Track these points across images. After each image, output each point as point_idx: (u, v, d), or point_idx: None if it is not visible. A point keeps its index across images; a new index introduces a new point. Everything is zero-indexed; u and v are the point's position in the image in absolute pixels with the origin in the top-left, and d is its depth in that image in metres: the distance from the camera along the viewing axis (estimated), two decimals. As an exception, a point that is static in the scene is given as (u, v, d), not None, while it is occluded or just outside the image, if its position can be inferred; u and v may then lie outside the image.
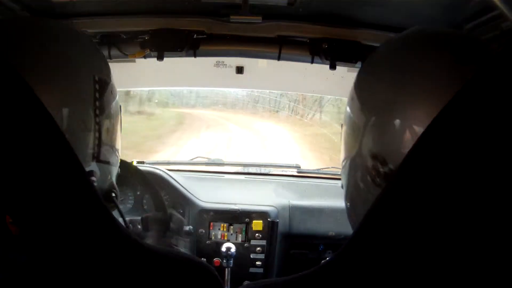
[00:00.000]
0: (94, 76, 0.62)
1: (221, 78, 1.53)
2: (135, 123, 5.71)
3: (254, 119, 7.32)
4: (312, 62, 1.07)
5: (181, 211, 1.49)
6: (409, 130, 0.52)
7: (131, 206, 1.53)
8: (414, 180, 0.41)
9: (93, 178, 0.62)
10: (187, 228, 1.32)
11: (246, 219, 1.47)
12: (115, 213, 0.78)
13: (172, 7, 1.00)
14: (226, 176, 1.81)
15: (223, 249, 1.37)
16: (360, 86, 0.61)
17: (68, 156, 0.46)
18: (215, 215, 1.48)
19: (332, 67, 1.03)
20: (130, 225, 0.99)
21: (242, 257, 1.44)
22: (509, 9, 0.70)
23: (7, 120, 0.42)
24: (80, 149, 0.59)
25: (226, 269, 1.38)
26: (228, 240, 1.45)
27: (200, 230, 1.47)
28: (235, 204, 1.50)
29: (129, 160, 1.37)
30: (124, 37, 1.06)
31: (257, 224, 1.46)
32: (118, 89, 0.71)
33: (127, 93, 3.72)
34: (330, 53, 1.02)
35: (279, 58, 1.10)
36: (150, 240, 0.95)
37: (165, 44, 1.01)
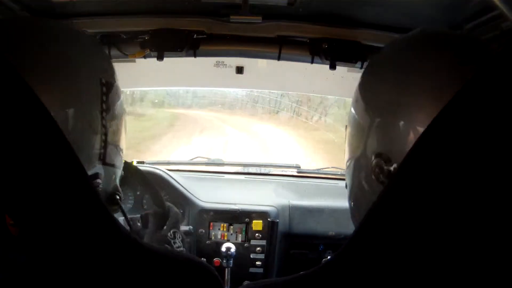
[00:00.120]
0: (97, 76, 0.61)
1: (221, 78, 1.53)
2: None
3: (252, 120, 6.97)
4: (312, 62, 1.07)
5: (181, 211, 1.49)
6: (413, 131, 0.52)
7: (131, 206, 1.53)
8: (415, 179, 0.41)
9: (98, 181, 0.62)
10: (187, 228, 1.32)
11: (246, 219, 1.47)
12: (118, 214, 0.79)
13: (172, 7, 1.00)
14: (226, 176, 1.81)
15: (223, 249, 1.37)
16: (364, 88, 0.61)
17: (68, 157, 0.46)
18: (215, 215, 1.48)
19: (332, 67, 1.03)
20: (131, 223, 0.99)
21: (242, 257, 1.44)
22: (509, 9, 0.70)
23: (7, 121, 0.42)
24: (84, 150, 0.59)
25: (226, 269, 1.38)
26: (228, 240, 1.45)
27: (200, 230, 1.47)
28: (235, 204, 1.50)
29: (128, 160, 1.37)
30: (124, 37, 1.06)
31: (257, 224, 1.46)
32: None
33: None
34: (330, 53, 1.02)
35: (279, 58, 1.10)
36: (147, 235, 0.95)
37: (165, 44, 1.01)
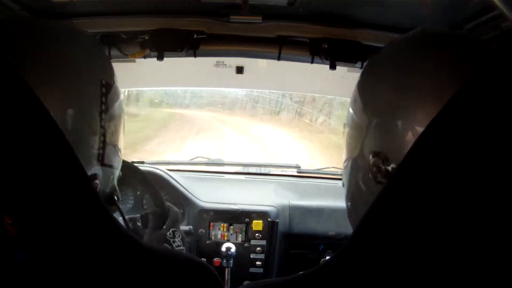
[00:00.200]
0: (97, 76, 0.61)
1: (221, 78, 1.53)
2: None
3: (253, 121, 6.57)
4: (312, 62, 1.07)
5: (181, 211, 1.49)
6: (412, 131, 0.52)
7: (131, 206, 1.53)
8: (414, 179, 0.41)
9: (97, 181, 0.61)
10: (187, 228, 1.32)
11: (246, 219, 1.47)
12: (116, 214, 0.79)
13: (172, 7, 1.00)
14: (226, 176, 1.81)
15: (223, 249, 1.37)
16: (363, 87, 0.61)
17: (68, 157, 0.46)
18: (215, 215, 1.48)
19: (332, 67, 1.03)
20: (131, 223, 0.99)
21: (242, 257, 1.44)
22: (509, 9, 0.70)
23: (7, 121, 0.42)
24: (83, 151, 0.59)
25: (226, 269, 1.38)
26: (228, 240, 1.45)
27: (200, 230, 1.47)
28: (235, 204, 1.50)
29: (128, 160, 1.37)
30: (124, 37, 1.06)
31: (257, 224, 1.46)
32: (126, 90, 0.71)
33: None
34: (330, 53, 1.02)
35: (279, 58, 1.10)
36: (147, 234, 0.95)
37: (165, 44, 1.01)
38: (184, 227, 1.24)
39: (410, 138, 0.52)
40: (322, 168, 1.85)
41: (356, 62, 1.03)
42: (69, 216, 0.45)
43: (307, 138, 5.31)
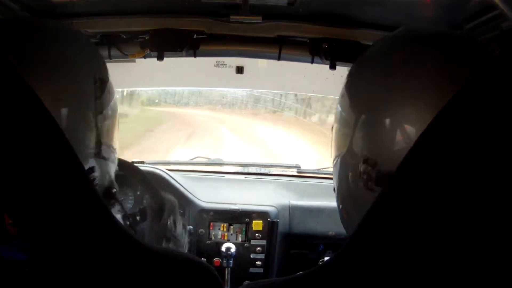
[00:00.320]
0: (93, 75, 0.63)
1: (221, 78, 1.53)
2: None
3: (254, 121, 6.20)
4: (312, 62, 1.07)
5: (181, 211, 1.49)
6: (396, 128, 0.52)
7: (131, 206, 1.53)
8: (413, 181, 0.41)
9: (95, 174, 0.64)
10: (187, 228, 1.32)
11: (246, 219, 1.47)
12: (116, 213, 0.80)
13: (172, 7, 1.00)
14: (226, 176, 1.81)
15: (223, 249, 1.37)
16: (349, 85, 0.62)
17: (67, 155, 0.46)
18: (215, 215, 1.48)
19: (332, 67, 1.03)
20: (130, 218, 0.98)
21: (242, 257, 1.44)
22: (509, 9, 0.70)
23: (6, 120, 0.42)
24: (81, 146, 0.60)
25: (226, 269, 1.38)
26: (228, 240, 1.45)
27: (200, 230, 1.47)
28: (235, 204, 1.50)
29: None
30: (124, 37, 1.06)
31: (257, 224, 1.46)
32: (117, 89, 0.72)
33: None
34: (330, 53, 1.02)
35: (279, 58, 1.10)
36: (148, 227, 0.94)
37: (165, 44, 1.01)
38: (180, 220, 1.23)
39: (393, 134, 0.53)
40: (322, 168, 1.85)
41: (356, 62, 1.03)
42: (69, 216, 0.45)
43: (312, 139, 5.08)
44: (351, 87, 0.61)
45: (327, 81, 1.48)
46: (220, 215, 1.48)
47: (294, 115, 4.47)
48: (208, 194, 1.55)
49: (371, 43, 1.01)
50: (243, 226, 1.47)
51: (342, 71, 1.22)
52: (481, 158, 0.38)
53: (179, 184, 1.54)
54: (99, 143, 0.64)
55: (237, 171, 1.91)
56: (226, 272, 1.38)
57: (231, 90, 2.90)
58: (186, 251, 0.96)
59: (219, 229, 1.47)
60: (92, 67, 0.64)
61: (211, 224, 1.47)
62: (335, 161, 0.64)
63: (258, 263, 1.46)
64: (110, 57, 1.05)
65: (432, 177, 0.40)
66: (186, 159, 1.95)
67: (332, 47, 1.02)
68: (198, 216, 1.48)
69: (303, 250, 1.52)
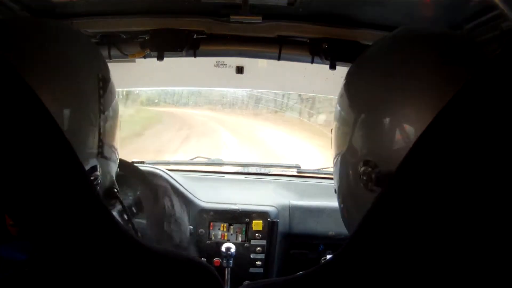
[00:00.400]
0: (95, 74, 0.63)
1: (221, 78, 1.53)
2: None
3: (256, 122, 5.94)
4: (312, 62, 1.07)
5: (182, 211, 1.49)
6: (395, 128, 0.53)
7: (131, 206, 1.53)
8: (413, 181, 0.41)
9: (97, 173, 0.64)
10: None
11: (246, 219, 1.47)
12: (116, 212, 0.80)
13: (172, 7, 1.00)
14: (226, 176, 1.81)
15: (223, 249, 1.37)
16: (349, 84, 0.62)
17: (68, 156, 0.46)
18: (215, 215, 1.48)
19: (332, 67, 1.03)
20: (129, 213, 0.98)
21: (242, 257, 1.44)
22: (509, 9, 0.70)
23: (7, 121, 0.42)
24: (82, 147, 0.60)
25: (226, 269, 1.38)
26: (228, 240, 1.45)
27: (200, 230, 1.47)
28: (235, 204, 1.50)
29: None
30: (124, 37, 1.06)
31: (257, 224, 1.46)
32: (117, 89, 0.72)
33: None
34: (330, 53, 1.02)
35: (279, 58, 1.10)
36: (147, 217, 0.93)
37: (165, 44, 1.01)
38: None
39: (392, 134, 0.53)
40: (322, 168, 1.85)
41: (356, 62, 1.03)
42: (69, 216, 0.45)
43: (316, 141, 4.68)
44: (351, 87, 0.61)
45: (327, 81, 1.48)
46: (220, 215, 1.48)
47: (298, 116, 4.35)
48: (208, 194, 1.55)
49: (371, 43, 1.01)
50: (243, 226, 1.47)
51: (342, 71, 1.22)
52: (481, 158, 0.38)
53: (179, 184, 1.54)
54: (101, 143, 0.64)
55: (237, 171, 1.90)
56: (226, 272, 1.38)
57: (231, 90, 2.90)
58: (188, 234, 0.94)
59: (219, 229, 1.47)
60: (93, 67, 0.64)
61: (211, 224, 1.47)
62: (335, 161, 0.64)
63: (258, 263, 1.46)
64: (110, 57, 1.05)
65: (432, 177, 0.40)
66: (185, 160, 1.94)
67: (332, 47, 1.02)
68: (198, 216, 1.47)
69: (303, 250, 1.52)
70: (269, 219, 1.44)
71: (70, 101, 0.58)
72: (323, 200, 1.56)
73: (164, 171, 1.58)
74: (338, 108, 0.63)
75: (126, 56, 1.07)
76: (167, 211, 0.88)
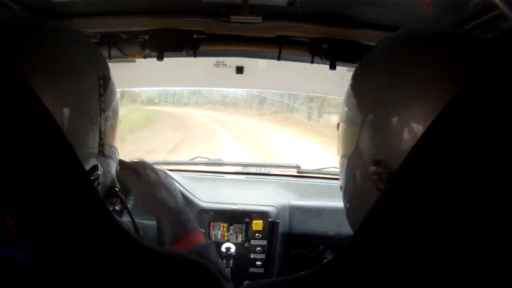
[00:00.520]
0: (95, 75, 0.63)
1: (221, 78, 1.53)
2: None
3: (260, 123, 5.64)
4: (312, 62, 1.07)
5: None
6: (401, 127, 0.52)
7: (131, 206, 1.52)
8: (415, 181, 0.41)
9: (99, 172, 0.64)
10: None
11: (246, 219, 1.47)
12: (117, 211, 0.80)
13: (172, 7, 1.00)
14: (226, 176, 1.81)
15: (223, 249, 1.37)
16: (356, 85, 0.62)
17: (68, 155, 0.46)
18: (215, 215, 1.48)
19: (332, 67, 1.03)
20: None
21: (242, 257, 1.44)
22: (509, 9, 0.70)
23: (7, 121, 0.42)
24: (82, 147, 0.61)
25: (226, 269, 1.38)
26: (228, 240, 1.45)
27: (200, 230, 1.46)
28: (235, 204, 1.50)
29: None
30: (124, 37, 1.06)
31: (257, 224, 1.46)
32: (117, 89, 0.72)
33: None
34: (330, 53, 1.02)
35: (279, 58, 1.10)
36: (141, 197, 0.91)
37: (165, 44, 1.01)
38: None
39: (399, 134, 0.53)
40: (322, 168, 1.85)
41: (356, 62, 1.03)
42: (69, 216, 0.45)
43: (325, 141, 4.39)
44: (359, 87, 0.61)
45: (327, 81, 1.48)
46: (220, 215, 1.48)
47: (305, 118, 4.20)
48: (208, 194, 1.55)
49: (371, 43, 1.02)
50: (243, 226, 1.47)
51: (342, 71, 1.23)
52: (484, 157, 0.38)
53: (179, 184, 1.54)
54: (102, 143, 0.65)
55: (237, 171, 1.90)
56: (226, 272, 1.38)
57: (234, 90, 2.88)
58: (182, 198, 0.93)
59: (219, 229, 1.47)
60: (93, 66, 0.64)
61: (211, 224, 1.47)
62: (342, 161, 0.64)
63: (258, 263, 1.46)
64: (110, 57, 1.05)
65: (434, 175, 0.39)
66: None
67: (332, 47, 1.02)
68: (198, 216, 1.47)
69: (303, 250, 1.52)
70: (269, 220, 1.44)
71: (71, 100, 0.58)
72: (323, 200, 1.56)
73: (163, 171, 1.57)
74: (345, 108, 0.63)
75: (126, 56, 1.07)
76: (153, 180, 0.87)
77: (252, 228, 1.46)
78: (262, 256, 1.46)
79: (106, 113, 0.65)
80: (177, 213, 0.85)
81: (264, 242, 1.45)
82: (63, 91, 0.57)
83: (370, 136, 0.56)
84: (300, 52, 1.07)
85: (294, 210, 1.53)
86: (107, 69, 0.67)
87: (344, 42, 1.02)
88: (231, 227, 1.47)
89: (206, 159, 1.88)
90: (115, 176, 0.75)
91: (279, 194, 1.63)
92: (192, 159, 1.91)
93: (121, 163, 0.87)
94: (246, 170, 1.92)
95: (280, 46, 1.07)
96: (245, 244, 1.46)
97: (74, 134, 0.57)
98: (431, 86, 0.51)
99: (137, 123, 5.60)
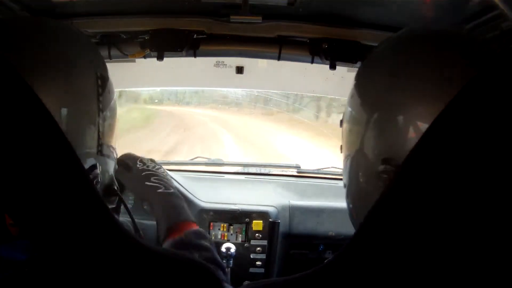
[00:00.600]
0: (94, 75, 0.63)
1: (221, 78, 1.53)
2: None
3: (267, 122, 5.37)
4: (312, 62, 1.07)
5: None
6: (407, 126, 0.52)
7: (131, 206, 1.52)
8: (416, 180, 0.41)
9: (97, 171, 0.65)
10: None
11: (246, 219, 1.47)
12: (116, 211, 0.80)
13: (172, 7, 1.00)
14: (226, 176, 1.81)
15: (223, 249, 1.37)
16: (359, 85, 0.62)
17: (67, 155, 0.46)
18: (215, 215, 1.47)
19: (332, 67, 1.03)
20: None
21: (242, 257, 1.44)
22: (509, 9, 0.70)
23: (6, 121, 0.42)
24: (81, 146, 0.61)
25: (226, 269, 1.38)
26: (228, 240, 1.45)
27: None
28: (235, 204, 1.50)
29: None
30: (124, 37, 1.06)
31: (257, 224, 1.46)
32: (117, 89, 0.72)
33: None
34: (330, 53, 1.02)
35: (279, 58, 1.10)
36: (137, 188, 0.91)
37: (165, 44, 1.01)
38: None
39: (403, 133, 0.53)
40: (322, 168, 1.85)
41: (356, 62, 1.03)
42: (69, 216, 0.45)
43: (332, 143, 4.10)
44: (363, 87, 0.61)
45: (327, 81, 1.48)
46: (220, 215, 1.48)
47: (313, 118, 4.12)
48: (208, 194, 1.55)
49: (371, 43, 1.02)
50: (243, 226, 1.47)
51: (342, 71, 1.23)
52: (486, 156, 0.38)
53: (179, 184, 1.54)
54: (100, 142, 0.65)
55: (237, 171, 1.90)
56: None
57: (232, 90, 2.87)
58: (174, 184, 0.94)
59: (219, 229, 1.47)
60: (92, 66, 0.64)
61: (211, 224, 1.47)
62: (346, 162, 0.64)
63: (258, 263, 1.46)
64: (110, 57, 1.05)
65: (437, 176, 0.39)
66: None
67: (332, 47, 1.02)
68: (198, 216, 1.47)
69: (303, 250, 1.52)
70: (270, 220, 1.44)
71: (69, 100, 0.59)
72: (323, 200, 1.56)
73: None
74: (349, 109, 0.63)
75: (126, 56, 1.07)
76: (142, 171, 0.88)
77: (252, 228, 1.46)
78: (262, 256, 1.46)
79: (104, 112, 0.65)
80: (168, 198, 0.85)
81: (264, 242, 1.45)
82: (62, 90, 0.58)
83: (375, 136, 0.56)
84: (300, 52, 1.07)
85: (294, 210, 1.53)
86: (105, 69, 0.68)
87: (344, 42, 1.02)
88: (231, 227, 1.47)
89: (206, 159, 1.88)
90: (113, 175, 0.75)
91: (279, 194, 1.63)
92: (192, 159, 1.91)
93: None
94: (246, 170, 1.92)
95: (280, 46, 1.07)
96: (245, 244, 1.46)
97: (72, 133, 0.58)
98: (436, 85, 0.51)
99: (137, 122, 5.58)
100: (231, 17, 0.94)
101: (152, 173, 0.89)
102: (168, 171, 1.59)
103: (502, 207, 0.38)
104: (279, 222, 1.43)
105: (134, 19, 1.01)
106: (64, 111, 0.57)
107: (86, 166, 0.63)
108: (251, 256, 1.46)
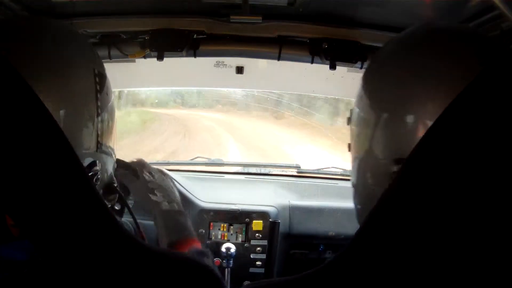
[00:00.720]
0: (93, 72, 0.64)
1: (221, 78, 1.53)
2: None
3: (278, 126, 4.90)
4: (312, 62, 1.07)
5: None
6: (416, 126, 0.52)
7: (131, 206, 1.52)
8: (418, 180, 0.41)
9: (97, 168, 0.65)
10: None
11: (246, 219, 1.47)
12: (117, 211, 0.81)
13: (172, 7, 1.00)
14: (226, 176, 1.81)
15: (223, 249, 1.37)
16: (367, 85, 0.61)
17: (67, 155, 0.46)
18: (215, 215, 1.47)
19: (332, 67, 1.03)
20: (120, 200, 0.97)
21: (242, 257, 1.44)
22: (509, 9, 0.70)
23: (6, 121, 0.42)
24: (80, 146, 0.62)
25: (226, 269, 1.38)
26: (228, 240, 1.45)
27: (200, 230, 1.46)
28: (235, 204, 1.50)
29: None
30: (124, 37, 1.06)
31: (257, 224, 1.46)
32: (117, 89, 0.73)
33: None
34: (330, 53, 1.02)
35: (279, 58, 1.10)
36: (137, 194, 0.92)
37: (165, 44, 1.01)
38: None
39: (414, 134, 0.52)
40: (322, 168, 1.85)
41: (356, 62, 1.03)
42: (69, 216, 0.45)
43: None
44: (370, 86, 0.61)
45: (327, 81, 1.48)
46: (220, 215, 1.48)
47: (328, 121, 3.96)
48: (208, 194, 1.55)
49: (370, 43, 1.02)
50: (243, 226, 1.47)
51: (342, 71, 1.23)
52: (491, 156, 0.38)
53: (179, 184, 1.54)
54: (98, 141, 0.66)
55: (237, 171, 1.90)
56: (226, 272, 1.38)
57: (232, 91, 2.87)
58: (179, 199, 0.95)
59: (219, 229, 1.47)
60: (90, 66, 0.64)
61: (211, 224, 1.47)
62: (355, 163, 0.64)
63: (258, 263, 1.46)
64: (110, 57, 1.05)
65: (438, 176, 0.39)
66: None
67: (332, 47, 1.02)
68: (198, 216, 1.47)
69: (303, 250, 1.52)
70: (270, 220, 1.44)
71: (68, 100, 0.59)
72: (323, 200, 1.56)
73: (162, 172, 1.57)
74: (357, 110, 0.62)
75: (126, 56, 1.07)
76: (148, 183, 0.89)
77: (252, 228, 1.46)
78: (262, 256, 1.45)
79: (103, 112, 0.66)
80: (171, 215, 0.85)
81: (264, 242, 1.45)
82: (61, 90, 0.58)
83: (387, 136, 0.56)
84: (300, 52, 1.07)
85: (294, 210, 1.53)
86: (103, 69, 0.69)
87: (344, 42, 1.02)
88: (231, 227, 1.47)
89: (206, 159, 1.88)
90: (112, 174, 0.76)
91: (279, 194, 1.63)
92: (192, 159, 1.91)
93: (121, 162, 0.88)
94: (246, 170, 1.92)
95: (280, 46, 1.07)
96: (245, 244, 1.46)
97: (72, 132, 0.58)
98: (455, 82, 0.51)
99: (140, 124, 5.41)
100: (231, 17, 0.94)
101: (157, 186, 0.90)
102: (168, 171, 1.59)
103: (508, 207, 0.38)
104: (279, 222, 1.43)
105: (134, 19, 1.01)
106: (62, 110, 0.58)
107: (85, 164, 0.63)
108: (251, 256, 1.46)
